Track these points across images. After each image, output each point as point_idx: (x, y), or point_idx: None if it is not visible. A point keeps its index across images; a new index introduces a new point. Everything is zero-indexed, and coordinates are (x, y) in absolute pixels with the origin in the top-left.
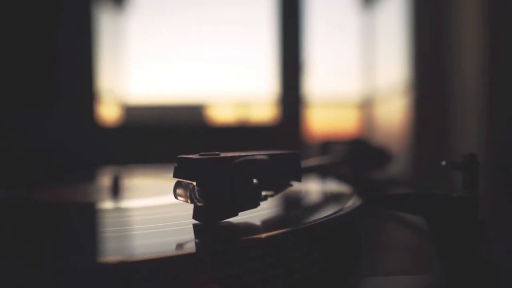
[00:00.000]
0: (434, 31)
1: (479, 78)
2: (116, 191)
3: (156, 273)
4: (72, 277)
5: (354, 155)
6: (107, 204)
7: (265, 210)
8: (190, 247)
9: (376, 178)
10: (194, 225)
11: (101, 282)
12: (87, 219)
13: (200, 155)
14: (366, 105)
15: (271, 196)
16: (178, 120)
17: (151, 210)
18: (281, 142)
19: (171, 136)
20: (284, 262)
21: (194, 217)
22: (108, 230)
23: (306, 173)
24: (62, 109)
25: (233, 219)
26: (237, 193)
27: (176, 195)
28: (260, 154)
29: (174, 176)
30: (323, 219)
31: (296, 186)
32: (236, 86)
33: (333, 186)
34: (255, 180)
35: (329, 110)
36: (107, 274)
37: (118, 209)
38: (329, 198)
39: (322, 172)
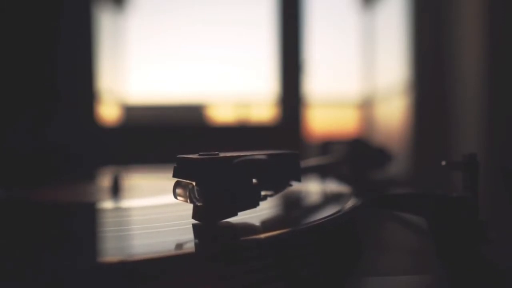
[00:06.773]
0: (434, 31)
1: (479, 78)
2: (116, 191)
3: (156, 273)
4: (72, 277)
5: (354, 155)
6: (107, 204)
7: (265, 210)
8: (190, 247)
9: (376, 178)
10: (194, 225)
11: (101, 282)
12: (87, 219)
13: (200, 155)
14: (366, 105)
15: (271, 196)
16: (178, 120)
17: (151, 210)
18: (281, 142)
19: (171, 136)
20: (284, 262)
21: (194, 217)
22: (108, 230)
23: (306, 173)
24: (62, 109)
25: (232, 219)
26: (236, 193)
27: (175, 195)
28: (259, 154)
29: (174, 176)
30: (323, 220)
31: (296, 186)
32: (236, 86)
33: (333, 186)
34: (254, 180)
35: (329, 110)
36: (107, 274)
37: (118, 209)
38: (329, 198)
39: (322, 172)
